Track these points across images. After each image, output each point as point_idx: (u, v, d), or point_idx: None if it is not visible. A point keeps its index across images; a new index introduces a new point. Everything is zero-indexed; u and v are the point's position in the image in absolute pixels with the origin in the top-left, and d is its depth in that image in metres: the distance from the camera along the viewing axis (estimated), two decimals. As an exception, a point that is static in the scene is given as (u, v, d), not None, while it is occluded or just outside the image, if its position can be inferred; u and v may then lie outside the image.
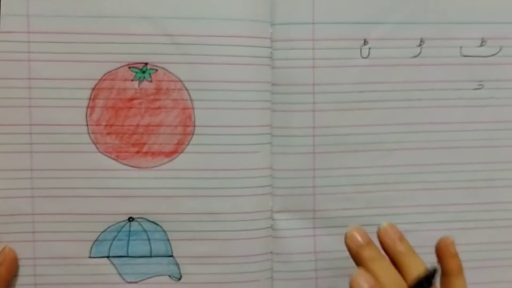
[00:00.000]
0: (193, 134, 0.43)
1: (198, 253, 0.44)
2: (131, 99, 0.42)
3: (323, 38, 0.43)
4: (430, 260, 0.45)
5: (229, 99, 0.43)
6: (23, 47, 0.41)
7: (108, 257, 0.43)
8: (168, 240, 0.43)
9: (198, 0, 0.42)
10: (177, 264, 0.44)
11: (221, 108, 0.43)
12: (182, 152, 0.43)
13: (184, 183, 0.43)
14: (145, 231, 0.43)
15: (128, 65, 0.42)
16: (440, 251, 0.40)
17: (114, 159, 0.43)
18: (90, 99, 0.42)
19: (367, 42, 0.44)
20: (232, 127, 0.43)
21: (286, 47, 0.43)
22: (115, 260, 0.43)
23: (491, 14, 0.45)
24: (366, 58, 0.44)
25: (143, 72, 0.42)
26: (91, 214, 0.43)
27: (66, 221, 0.43)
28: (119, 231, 0.43)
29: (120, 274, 0.43)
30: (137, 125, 0.43)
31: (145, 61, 0.42)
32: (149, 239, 0.43)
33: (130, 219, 0.43)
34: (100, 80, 0.42)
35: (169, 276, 0.44)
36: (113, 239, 0.43)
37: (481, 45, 0.45)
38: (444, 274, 0.39)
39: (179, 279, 0.44)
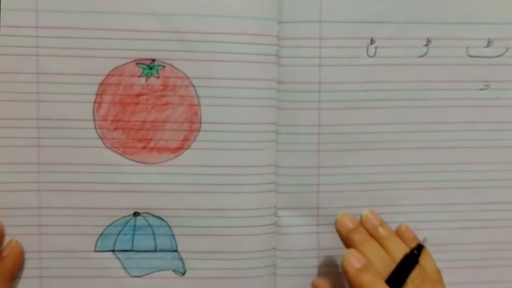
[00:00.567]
0: (199, 130, 0.43)
1: (202, 248, 0.44)
2: (138, 95, 0.43)
3: (329, 37, 0.43)
4: (435, 258, 0.46)
5: (235, 96, 0.43)
6: (32, 42, 0.41)
7: (113, 251, 0.44)
8: (173, 235, 0.44)
9: (205, -3, 0.42)
10: (181, 259, 0.44)
11: (227, 105, 0.43)
12: (188, 148, 0.43)
13: (189, 179, 0.43)
14: (150, 226, 0.44)
15: (135, 61, 0.42)
16: (403, 235, 0.43)
17: (120, 154, 0.43)
18: (97, 94, 0.42)
19: (374, 41, 0.44)
20: (237, 124, 0.43)
21: (293, 45, 0.43)
22: (120, 254, 0.44)
23: (498, 15, 0.45)
24: (372, 57, 0.44)
25: (151, 68, 0.42)
26: (97, 209, 0.43)
27: (72, 215, 0.43)
28: (124, 226, 0.43)
29: (125, 268, 0.44)
30: (144, 121, 0.43)
31: (153, 57, 0.42)
32: (154, 234, 0.44)
33: (136, 214, 0.43)
34: (107, 75, 0.42)
35: (174, 270, 0.44)
36: (119, 234, 0.43)
37: (487, 46, 0.45)
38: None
39: (183, 273, 0.44)
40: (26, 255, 0.43)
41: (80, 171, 0.43)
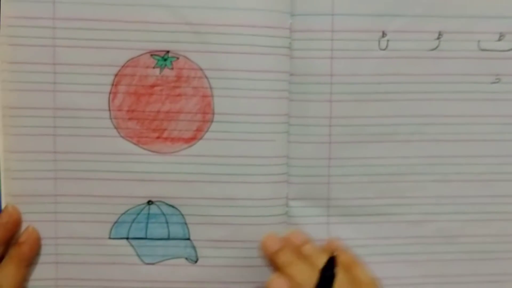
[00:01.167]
0: (212, 121, 0.44)
1: (214, 237, 0.44)
2: (153, 86, 0.43)
3: (342, 30, 0.44)
4: (442, 250, 0.46)
5: (248, 88, 0.43)
6: (49, 33, 0.42)
7: (127, 238, 0.44)
8: (186, 223, 0.44)
9: (219, -11, 0.43)
10: (194, 247, 0.45)
11: (240, 96, 0.43)
12: (201, 138, 0.44)
13: (202, 169, 0.44)
14: (164, 214, 0.44)
15: (150, 52, 0.43)
16: (330, 249, 0.42)
17: (135, 143, 0.44)
18: (112, 85, 0.43)
19: (386, 34, 0.44)
20: (250, 116, 0.43)
21: (305, 37, 0.44)
22: (134, 242, 0.44)
23: (509, 9, 0.45)
24: (384, 50, 0.44)
25: (165, 59, 0.43)
26: (112, 197, 0.44)
27: (87, 203, 0.44)
28: (138, 214, 0.44)
29: (138, 255, 0.45)
30: (158, 111, 0.43)
31: (167, 49, 0.43)
32: (167, 222, 0.44)
33: (149, 203, 0.44)
34: (122, 66, 0.43)
35: (186, 258, 0.45)
36: (133, 221, 0.44)
37: (499, 40, 0.45)
38: (346, 269, 0.41)
39: (196, 261, 0.45)
40: (43, 242, 0.44)
41: (95, 160, 0.43)
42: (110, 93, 0.43)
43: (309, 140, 0.45)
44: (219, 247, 0.45)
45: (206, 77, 0.43)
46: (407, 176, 0.46)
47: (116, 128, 0.43)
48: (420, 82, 0.45)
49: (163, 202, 0.44)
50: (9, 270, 0.42)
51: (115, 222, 0.44)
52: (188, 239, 0.45)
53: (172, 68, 0.43)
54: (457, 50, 0.45)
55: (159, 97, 0.43)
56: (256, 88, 0.43)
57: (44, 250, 0.44)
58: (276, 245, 0.42)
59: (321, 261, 0.40)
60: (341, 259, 0.41)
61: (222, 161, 0.44)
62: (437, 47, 0.45)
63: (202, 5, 0.42)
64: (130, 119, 0.43)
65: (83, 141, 0.43)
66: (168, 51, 0.43)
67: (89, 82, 0.43)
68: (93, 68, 0.43)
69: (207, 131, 0.44)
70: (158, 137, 0.44)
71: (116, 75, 0.43)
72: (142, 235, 0.44)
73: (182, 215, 0.44)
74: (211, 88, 0.43)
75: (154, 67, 0.43)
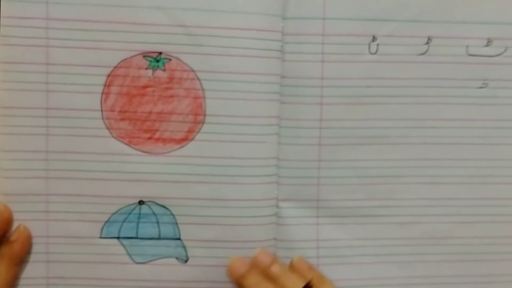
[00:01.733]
0: (203, 122, 0.44)
1: (205, 237, 0.45)
2: (145, 87, 0.44)
3: (332, 34, 0.44)
4: (430, 251, 0.47)
5: (240, 90, 0.44)
6: (42, 33, 0.42)
7: (118, 238, 0.45)
8: (177, 223, 0.45)
9: (212, -8, 0.43)
10: (184, 247, 0.45)
11: (232, 98, 0.44)
12: (192, 139, 0.44)
13: (193, 170, 0.44)
14: (155, 214, 0.45)
15: (143, 53, 0.43)
16: (297, 268, 0.43)
17: (126, 144, 0.44)
18: (105, 85, 0.43)
19: (376, 39, 0.45)
20: (241, 117, 0.44)
21: (297, 41, 0.44)
22: (125, 241, 0.45)
23: (498, 15, 0.45)
24: (374, 54, 0.45)
25: (157, 61, 0.43)
26: (103, 196, 0.44)
27: (78, 202, 0.44)
28: (129, 214, 0.44)
29: (129, 255, 0.45)
30: (150, 112, 0.44)
31: (160, 50, 0.43)
32: (158, 222, 0.45)
33: (141, 202, 0.44)
34: (115, 67, 0.43)
35: (176, 258, 0.45)
36: (124, 221, 0.44)
37: (487, 45, 0.46)
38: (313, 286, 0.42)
39: (186, 261, 0.45)
40: (34, 240, 0.44)
41: (87, 160, 0.44)
42: (102, 93, 0.43)
43: (300, 142, 0.45)
44: (209, 247, 0.45)
45: (198, 79, 0.44)
46: (396, 179, 0.46)
47: (108, 128, 0.44)
48: (409, 86, 0.45)
49: (154, 202, 0.44)
50: (0, 269, 0.42)
51: (106, 222, 0.44)
52: (179, 239, 0.45)
53: (164, 70, 0.44)
54: (445, 55, 0.45)
55: (151, 98, 0.44)
56: (247, 90, 0.44)
57: (35, 248, 0.44)
58: (243, 268, 0.43)
59: (288, 281, 0.41)
60: (309, 277, 0.42)
61: (213, 162, 0.44)
62: (426, 51, 0.45)
63: (195, 7, 0.43)
64: (122, 119, 0.44)
65: (75, 141, 0.43)
66: (160, 53, 0.43)
67: (81, 82, 0.43)
68: (86, 68, 0.43)
69: (198, 132, 0.44)
70: (149, 138, 0.44)
71: (108, 75, 0.43)
72: (133, 235, 0.45)
73: (173, 215, 0.45)
74: (203, 89, 0.44)
75: (146, 68, 0.43)
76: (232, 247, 0.45)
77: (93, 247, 0.44)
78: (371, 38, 0.45)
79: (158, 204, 0.44)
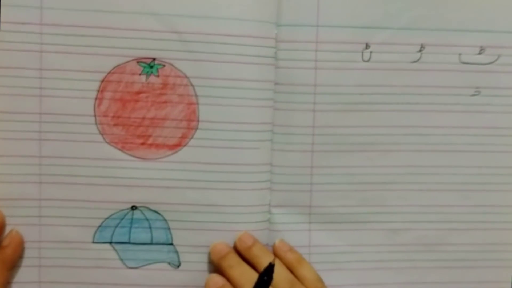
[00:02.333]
0: (196, 128, 0.44)
1: (197, 242, 0.45)
2: (138, 93, 0.44)
3: (326, 41, 0.44)
4: (421, 258, 0.47)
5: (233, 96, 0.44)
6: (36, 38, 0.42)
7: (110, 243, 0.45)
8: (169, 228, 0.45)
9: (206, -1, 0.43)
10: (176, 252, 0.45)
11: (225, 104, 0.44)
12: (185, 145, 0.44)
13: (186, 175, 0.44)
14: (147, 219, 0.45)
15: (136, 59, 0.43)
16: (278, 250, 0.45)
17: (119, 149, 0.44)
18: (98, 91, 0.43)
19: (369, 46, 0.45)
20: (234, 123, 0.44)
21: (290, 48, 0.44)
22: (117, 246, 0.45)
23: (490, 23, 0.46)
24: (367, 61, 0.45)
25: (151, 67, 0.43)
26: (96, 201, 0.44)
27: (71, 207, 0.44)
28: (122, 219, 0.44)
29: (121, 260, 0.45)
30: (143, 118, 0.44)
31: (153, 56, 0.43)
32: (150, 227, 0.45)
33: (133, 208, 0.44)
34: (109, 73, 0.43)
35: (169, 263, 0.45)
36: (116, 226, 0.44)
37: (479, 53, 0.46)
38: (292, 267, 0.43)
39: (178, 266, 0.45)
40: (26, 245, 0.44)
41: (80, 165, 0.44)
42: (96, 99, 0.43)
43: (293, 149, 0.45)
44: (201, 253, 0.45)
45: (192, 85, 0.44)
46: (388, 185, 0.47)
47: (101, 133, 0.44)
48: (402, 94, 0.46)
49: (147, 208, 0.45)
50: (-8, 273, 0.42)
51: (99, 227, 0.44)
52: (171, 244, 0.45)
53: (158, 76, 0.44)
54: (438, 62, 0.46)
55: (144, 103, 0.44)
56: (241, 96, 0.44)
57: (27, 253, 0.44)
58: (224, 250, 0.44)
59: (265, 262, 0.43)
60: (288, 259, 0.44)
61: (206, 168, 0.44)
62: (419, 59, 0.46)
63: (189, 14, 0.43)
64: (115, 125, 0.44)
65: (68, 146, 0.43)
66: (154, 59, 0.43)
67: (75, 87, 0.43)
68: (80, 74, 0.43)
69: (191, 138, 0.44)
70: (143, 143, 0.44)
71: (102, 81, 0.43)
72: (126, 240, 0.45)
73: (166, 220, 0.45)
74: (196, 95, 0.44)
75: (140, 74, 0.44)
76: (224, 252, 0.45)
77: (86, 252, 0.44)
78: (364, 45, 0.45)
79: (150, 210, 0.45)
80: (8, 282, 0.43)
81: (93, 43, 0.43)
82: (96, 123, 0.43)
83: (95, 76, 0.43)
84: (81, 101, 0.43)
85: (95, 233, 0.44)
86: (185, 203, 0.45)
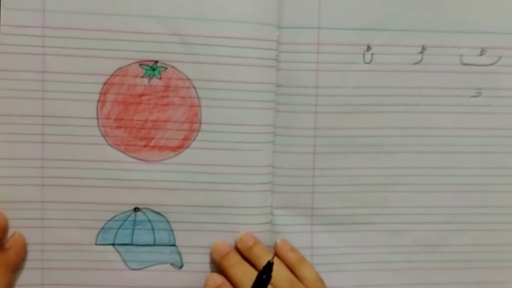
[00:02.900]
0: (199, 130, 0.44)
1: (199, 243, 0.45)
2: (141, 95, 0.44)
3: (327, 43, 0.44)
4: (422, 259, 0.47)
5: (235, 99, 0.44)
6: (38, 41, 0.42)
7: (113, 244, 0.45)
8: (172, 230, 0.45)
9: (208, 2, 0.43)
10: (179, 253, 0.45)
11: (227, 106, 0.44)
12: (187, 147, 0.44)
13: (188, 177, 0.44)
14: (150, 221, 0.45)
15: (139, 62, 0.43)
16: (279, 250, 0.45)
17: (122, 151, 0.44)
18: (101, 93, 0.43)
19: (370, 48, 0.45)
20: (236, 125, 0.44)
21: (292, 50, 0.44)
22: (120, 248, 0.45)
23: (491, 25, 0.46)
24: (368, 63, 0.45)
25: (153, 69, 0.44)
26: (99, 203, 0.44)
27: (74, 209, 0.44)
28: (124, 220, 0.45)
29: (124, 261, 0.45)
30: (146, 120, 0.44)
31: (156, 59, 0.43)
32: (153, 229, 0.45)
33: (136, 209, 0.45)
34: (111, 75, 0.43)
35: (171, 264, 0.45)
36: (119, 228, 0.45)
37: (480, 54, 0.46)
38: (293, 267, 0.44)
39: (181, 267, 0.45)
40: (29, 247, 0.44)
41: (83, 167, 0.44)
42: (98, 101, 0.43)
43: (294, 150, 0.45)
44: (203, 253, 0.45)
45: (194, 87, 0.44)
46: (389, 187, 0.47)
47: (103, 136, 0.44)
48: (404, 95, 0.46)
49: (150, 209, 0.45)
50: (-5, 275, 0.42)
51: (102, 228, 0.45)
52: (174, 245, 0.45)
53: (160, 78, 0.44)
54: (439, 64, 0.46)
55: (147, 106, 0.44)
56: (243, 98, 0.44)
57: (30, 255, 0.44)
58: (226, 249, 0.44)
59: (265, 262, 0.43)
60: (289, 258, 0.44)
61: (208, 170, 0.44)
62: (420, 61, 0.46)
63: (191, 17, 0.43)
64: (118, 127, 0.44)
65: (71, 149, 0.44)
66: (156, 61, 0.43)
67: (77, 90, 0.43)
68: (82, 76, 0.43)
69: (194, 140, 0.44)
70: (145, 146, 0.44)
71: (104, 84, 0.43)
72: (128, 241, 0.45)
73: (168, 222, 0.45)
74: (198, 98, 0.44)
75: (142, 77, 0.44)
76: (226, 254, 0.45)
77: (89, 254, 0.45)
78: (365, 47, 0.45)
79: (153, 211, 0.45)
80: (11, 284, 0.43)
81: (96, 46, 0.43)
82: (98, 126, 0.44)
83: (98, 79, 0.43)
84: (84, 103, 0.43)
85: (98, 235, 0.45)
86: (187, 205, 0.45)
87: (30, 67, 0.43)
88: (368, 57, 0.45)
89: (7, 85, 0.43)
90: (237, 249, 0.44)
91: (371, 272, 0.47)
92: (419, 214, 0.47)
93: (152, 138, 0.44)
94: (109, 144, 0.44)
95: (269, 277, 0.42)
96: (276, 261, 0.43)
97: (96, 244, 0.45)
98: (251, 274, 0.42)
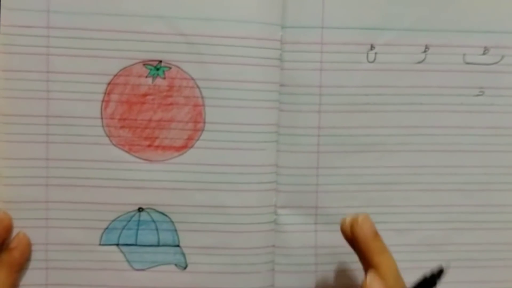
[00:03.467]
0: (203, 130, 0.44)
1: (203, 243, 0.45)
2: (145, 95, 0.44)
3: (331, 42, 0.45)
4: (428, 258, 0.47)
5: (239, 98, 0.44)
6: (43, 41, 0.43)
7: (117, 245, 0.45)
8: (176, 230, 0.45)
9: (212, 1, 0.43)
10: (183, 254, 0.45)
11: (231, 106, 0.44)
12: (192, 147, 0.44)
13: (193, 177, 0.44)
14: (154, 221, 0.45)
15: (143, 62, 0.43)
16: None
17: (126, 151, 0.44)
18: (105, 93, 0.43)
19: (374, 47, 0.45)
20: (240, 125, 0.44)
21: (295, 49, 0.44)
22: (124, 248, 0.45)
23: (494, 24, 0.46)
24: (372, 62, 0.45)
25: (157, 69, 0.44)
26: (103, 204, 0.44)
27: (78, 209, 0.44)
28: (128, 221, 0.45)
29: (128, 262, 0.45)
30: (150, 120, 0.44)
31: (160, 58, 0.44)
32: (157, 229, 0.45)
33: (140, 210, 0.45)
34: (115, 75, 0.43)
35: (175, 264, 0.45)
36: (123, 228, 0.45)
37: (483, 53, 0.46)
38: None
39: (185, 268, 0.45)
40: (33, 247, 0.44)
41: (87, 167, 0.44)
42: (102, 101, 0.44)
43: (298, 150, 0.45)
44: (208, 254, 0.45)
45: (198, 87, 0.44)
46: (393, 186, 0.47)
47: (108, 136, 0.44)
48: (407, 94, 0.46)
49: (154, 209, 0.45)
50: (0, 275, 0.42)
51: (106, 229, 0.45)
52: (178, 245, 0.45)
53: (164, 78, 0.44)
54: (443, 63, 0.46)
55: (151, 106, 0.44)
56: (246, 98, 0.44)
57: (34, 255, 0.44)
58: (374, 228, 0.40)
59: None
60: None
61: (213, 170, 0.44)
62: (423, 60, 0.46)
63: (195, 17, 0.43)
64: (122, 127, 0.44)
65: (75, 149, 0.44)
66: (160, 61, 0.44)
67: (82, 90, 0.43)
68: (86, 76, 0.43)
69: (198, 139, 0.44)
70: (149, 145, 0.44)
71: (109, 84, 0.43)
72: (132, 242, 0.45)
73: (172, 222, 0.45)
74: (202, 97, 0.44)
75: (146, 77, 0.44)
76: (230, 254, 0.45)
77: (92, 254, 0.45)
78: (369, 46, 0.45)
79: (157, 211, 0.45)
80: (15, 284, 0.43)
81: (100, 46, 0.43)
82: (103, 126, 0.44)
83: (102, 79, 0.43)
84: (88, 103, 0.43)
85: (102, 235, 0.45)
86: (191, 205, 0.45)
87: (34, 67, 0.43)
88: (371, 56, 0.45)
89: (11, 85, 0.43)
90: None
91: (376, 272, 0.47)
92: (423, 213, 0.47)
93: (156, 138, 0.44)
94: (113, 144, 0.44)
95: (434, 284, 0.39)
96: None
97: (100, 244, 0.45)
98: (394, 269, 0.39)
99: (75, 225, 0.44)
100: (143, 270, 0.45)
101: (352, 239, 0.40)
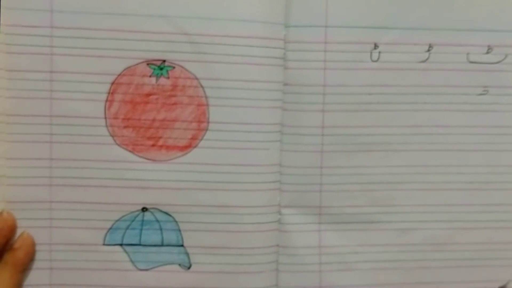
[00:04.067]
0: (206, 129, 0.44)
1: (207, 243, 0.45)
2: (148, 95, 0.44)
3: (335, 41, 0.44)
4: (430, 257, 0.47)
5: (243, 97, 0.44)
6: (46, 41, 0.43)
7: (121, 245, 0.45)
8: (180, 230, 0.45)
9: (215, 1, 0.43)
10: (187, 254, 0.45)
11: (235, 105, 0.44)
12: (195, 146, 0.44)
13: (196, 176, 0.44)
14: (158, 221, 0.45)
15: (146, 61, 0.43)
16: None
17: (130, 151, 0.44)
18: (109, 93, 0.44)
19: (378, 46, 0.45)
20: (244, 124, 0.44)
21: (299, 48, 0.44)
22: (128, 248, 0.45)
23: (498, 23, 0.46)
24: (376, 61, 0.45)
25: (161, 69, 0.44)
26: (106, 204, 0.44)
27: (82, 209, 0.44)
28: (132, 221, 0.45)
29: (132, 262, 0.45)
30: (153, 120, 0.44)
31: (163, 58, 0.44)
32: (161, 229, 0.45)
33: (144, 209, 0.45)
34: (119, 75, 0.43)
35: (179, 264, 0.45)
36: (127, 228, 0.45)
37: (487, 52, 0.46)
38: None
39: (189, 267, 0.45)
40: (37, 247, 0.44)
41: (91, 167, 0.44)
42: (106, 101, 0.44)
43: (302, 149, 0.45)
44: (212, 254, 0.45)
45: (202, 86, 0.44)
46: (397, 185, 0.47)
47: (111, 135, 0.44)
48: (411, 93, 0.46)
49: (158, 209, 0.45)
50: (4, 276, 0.42)
51: (110, 229, 0.45)
52: (182, 245, 0.45)
53: (168, 77, 0.44)
54: (446, 62, 0.46)
55: (154, 105, 0.44)
56: (250, 97, 0.44)
57: (38, 255, 0.44)
58: None
59: None
60: None
61: (216, 169, 0.44)
62: (427, 59, 0.46)
63: (199, 16, 0.43)
64: (125, 127, 0.44)
65: (79, 148, 0.44)
66: (164, 61, 0.44)
67: (85, 90, 0.43)
68: (90, 76, 0.43)
69: (201, 139, 0.44)
70: (153, 145, 0.44)
71: (112, 83, 0.43)
72: (136, 242, 0.45)
73: (176, 222, 0.45)
74: (206, 97, 0.44)
75: (150, 76, 0.44)
76: (234, 253, 0.45)
77: (96, 254, 0.45)
78: (373, 45, 0.45)
79: (161, 211, 0.45)
80: (19, 284, 0.43)
81: (103, 46, 0.43)
82: (106, 125, 0.44)
83: (105, 79, 0.43)
84: (92, 103, 0.43)
85: (105, 235, 0.45)
86: (195, 204, 0.45)
87: (38, 67, 0.43)
88: (375, 55, 0.45)
89: (15, 85, 0.43)
90: None
91: (379, 271, 0.47)
92: (427, 212, 0.47)
93: (160, 137, 0.44)
94: (117, 144, 0.44)
95: None
96: None
97: (104, 244, 0.45)
98: None
99: (79, 225, 0.44)
100: (147, 270, 0.45)
101: None
